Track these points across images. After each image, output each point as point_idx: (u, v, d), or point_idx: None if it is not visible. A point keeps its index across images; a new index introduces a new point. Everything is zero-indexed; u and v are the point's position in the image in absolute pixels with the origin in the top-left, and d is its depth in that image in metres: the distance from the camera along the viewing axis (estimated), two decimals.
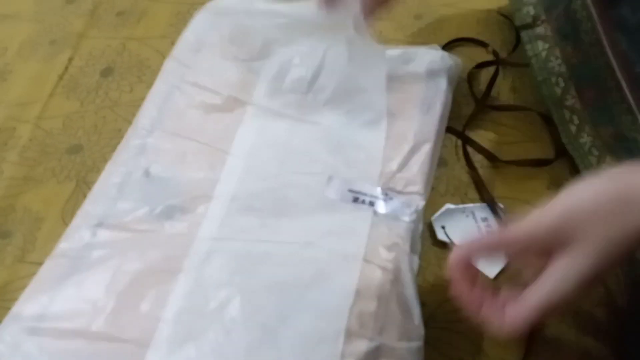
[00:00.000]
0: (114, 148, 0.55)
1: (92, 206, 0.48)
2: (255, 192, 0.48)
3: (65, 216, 0.51)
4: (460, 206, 0.51)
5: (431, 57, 0.58)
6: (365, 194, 0.48)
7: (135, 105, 0.59)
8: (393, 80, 0.55)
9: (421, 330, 0.42)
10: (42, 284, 0.44)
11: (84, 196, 0.52)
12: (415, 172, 0.50)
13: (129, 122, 0.58)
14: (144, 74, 0.63)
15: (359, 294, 0.41)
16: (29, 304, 0.42)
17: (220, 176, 0.49)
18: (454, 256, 0.37)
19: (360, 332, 0.40)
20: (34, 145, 0.56)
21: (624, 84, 0.50)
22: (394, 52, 0.58)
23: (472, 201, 0.52)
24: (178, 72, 0.57)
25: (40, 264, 0.47)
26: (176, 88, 0.56)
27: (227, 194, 0.48)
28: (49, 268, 0.45)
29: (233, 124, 0.54)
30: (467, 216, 0.50)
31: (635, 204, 0.33)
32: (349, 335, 0.39)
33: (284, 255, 0.44)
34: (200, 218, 0.46)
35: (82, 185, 0.53)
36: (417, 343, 0.41)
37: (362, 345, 0.39)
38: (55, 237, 0.49)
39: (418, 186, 0.49)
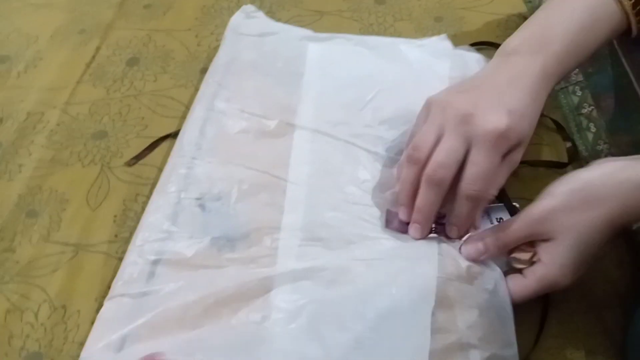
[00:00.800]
0: (137, 135, 0.57)
1: (145, 242, 0.45)
2: (322, 223, 0.46)
3: (90, 199, 0.52)
4: None
5: (471, 58, 0.59)
6: None
7: (159, 95, 0.61)
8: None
9: (514, 334, 0.42)
10: (108, 324, 0.41)
11: (108, 181, 0.54)
12: None
13: (152, 110, 0.60)
14: (168, 65, 0.64)
15: (460, 309, 0.41)
16: (95, 345, 0.40)
17: (284, 205, 0.47)
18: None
19: (470, 342, 0.40)
20: (61, 130, 0.58)
21: (639, 93, 0.50)
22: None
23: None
24: (220, 96, 0.55)
25: (65, 244, 0.49)
26: (221, 113, 0.53)
27: (296, 225, 0.46)
28: (112, 308, 0.42)
29: (285, 150, 0.51)
30: (482, 216, 0.51)
31: (593, 198, 0.40)
32: (464, 348, 0.40)
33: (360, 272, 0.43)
34: (268, 250, 0.44)
35: (107, 170, 0.54)
36: (514, 348, 0.42)
37: (477, 356, 0.39)
38: (79, 219, 0.51)
39: None
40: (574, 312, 0.48)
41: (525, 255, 0.43)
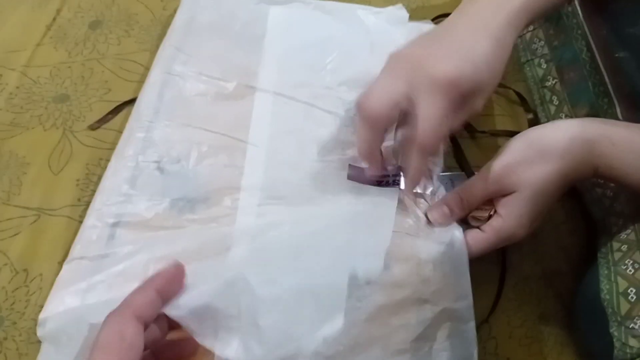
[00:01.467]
0: (100, 99, 0.56)
1: (104, 205, 0.45)
2: (283, 181, 0.47)
3: (52, 164, 0.51)
4: (440, 174, 0.53)
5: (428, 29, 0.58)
6: (387, 175, 0.47)
7: (123, 59, 0.60)
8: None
9: (469, 286, 0.43)
10: (65, 286, 0.41)
11: (71, 145, 0.53)
12: None
13: (115, 75, 0.58)
14: (132, 28, 0.63)
15: (415, 263, 0.42)
16: (54, 307, 0.40)
17: (244, 166, 0.48)
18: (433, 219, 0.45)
19: (423, 297, 0.41)
20: (21, 93, 0.56)
21: (602, 68, 0.52)
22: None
23: (450, 169, 0.54)
24: (177, 60, 0.54)
25: (26, 207, 0.48)
26: (178, 77, 0.53)
27: (256, 185, 0.46)
28: (70, 271, 0.42)
29: (244, 112, 0.52)
30: (446, 183, 0.52)
31: (548, 153, 0.42)
32: (416, 302, 0.41)
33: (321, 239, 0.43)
34: (228, 210, 0.45)
35: (69, 134, 0.53)
36: (469, 300, 0.42)
37: (427, 312, 0.41)
38: (41, 182, 0.50)
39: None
40: (528, 277, 0.51)
41: (483, 213, 0.44)
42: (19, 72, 0.58)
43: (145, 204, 0.45)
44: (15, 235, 0.47)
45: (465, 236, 0.44)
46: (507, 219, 0.43)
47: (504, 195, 0.43)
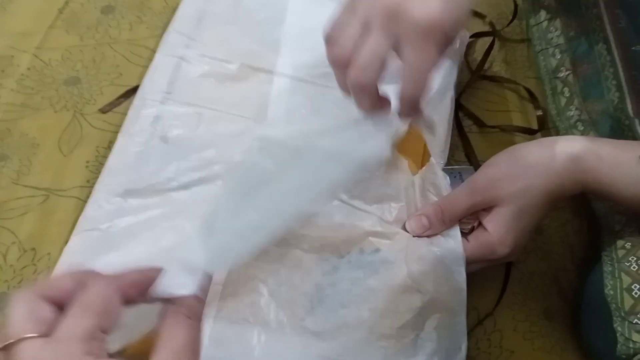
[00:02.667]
0: (111, 83, 0.56)
1: (112, 177, 0.45)
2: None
3: (62, 145, 0.52)
4: (448, 167, 0.53)
5: None
6: None
7: (135, 44, 0.60)
8: None
9: (464, 281, 0.43)
10: (74, 256, 0.41)
11: (81, 127, 0.53)
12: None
13: (127, 59, 0.59)
14: (145, 14, 0.63)
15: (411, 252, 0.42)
16: None
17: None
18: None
19: (416, 288, 0.41)
20: (32, 75, 0.56)
21: (618, 61, 0.51)
22: None
23: (458, 163, 0.54)
24: (181, 43, 0.55)
25: (35, 187, 0.49)
26: (181, 59, 0.53)
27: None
28: (79, 242, 0.42)
29: (249, 92, 0.52)
30: (455, 177, 0.52)
31: (532, 168, 0.42)
32: (407, 290, 0.41)
33: None
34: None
35: (79, 117, 0.54)
36: (463, 294, 0.42)
37: (417, 300, 0.41)
38: (51, 164, 0.50)
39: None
40: (533, 273, 0.51)
41: (466, 225, 0.44)
42: (30, 54, 0.58)
43: (153, 171, 0.45)
44: (24, 214, 0.47)
45: None
46: (491, 234, 0.42)
47: (487, 209, 0.43)
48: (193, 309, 0.30)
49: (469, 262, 0.42)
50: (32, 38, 0.59)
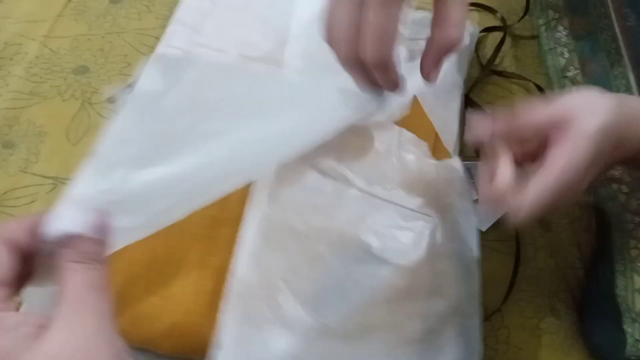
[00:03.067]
0: (119, 72, 0.56)
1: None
2: None
3: (70, 134, 0.51)
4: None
5: None
6: None
7: (143, 34, 0.60)
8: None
9: (478, 286, 0.42)
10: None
11: (89, 116, 0.53)
12: None
13: (135, 49, 0.58)
14: (153, 4, 0.63)
15: (433, 255, 0.41)
16: None
17: None
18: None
19: (438, 292, 0.40)
20: (41, 63, 0.56)
21: (626, 60, 0.51)
22: (415, 15, 0.59)
23: (467, 159, 0.54)
24: (181, 35, 0.54)
25: (43, 176, 0.48)
26: (181, 50, 0.52)
27: None
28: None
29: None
30: (464, 172, 0.52)
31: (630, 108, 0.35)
32: (431, 294, 0.40)
33: None
34: None
35: (87, 106, 0.53)
36: (476, 299, 0.42)
37: (440, 305, 0.40)
38: (59, 152, 0.50)
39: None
40: (542, 270, 0.50)
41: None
42: (39, 42, 0.58)
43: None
44: (31, 202, 0.47)
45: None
46: (571, 154, 0.33)
47: (560, 131, 0.34)
48: (87, 253, 0.27)
49: (546, 201, 0.33)
50: (40, 26, 0.59)
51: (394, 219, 0.42)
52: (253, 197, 0.42)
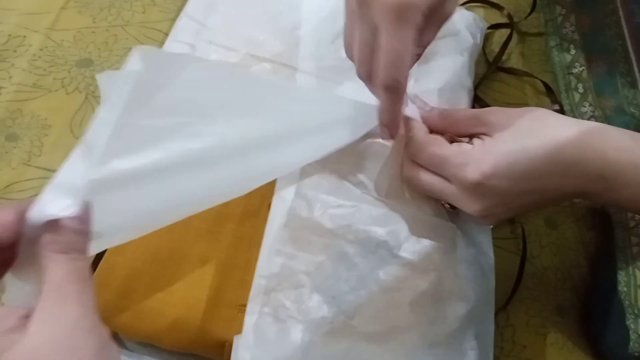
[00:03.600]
0: (124, 65, 0.55)
1: None
2: None
3: (74, 127, 0.51)
4: None
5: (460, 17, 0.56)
6: None
7: (148, 27, 0.59)
8: None
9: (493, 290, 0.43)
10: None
11: (93, 109, 0.52)
12: None
13: (140, 42, 0.58)
14: None
15: (453, 259, 0.40)
16: None
17: None
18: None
19: (458, 295, 0.40)
20: (44, 55, 0.56)
21: (633, 57, 0.51)
22: None
23: None
24: (190, 29, 0.53)
25: (46, 169, 0.48)
26: (189, 46, 0.52)
27: None
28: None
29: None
30: None
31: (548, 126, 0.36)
32: (452, 297, 0.40)
33: None
34: None
35: (91, 99, 0.53)
36: (491, 303, 0.42)
37: (462, 308, 0.40)
38: (62, 145, 0.50)
39: None
40: (547, 268, 0.50)
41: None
42: (42, 35, 0.57)
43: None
44: (34, 195, 0.46)
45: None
46: (475, 146, 0.37)
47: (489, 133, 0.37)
48: (70, 243, 0.26)
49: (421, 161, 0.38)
50: (44, 18, 0.59)
51: (415, 222, 0.41)
52: (279, 192, 0.42)
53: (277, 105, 0.39)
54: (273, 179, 0.41)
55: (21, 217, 0.26)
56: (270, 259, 0.39)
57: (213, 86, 0.36)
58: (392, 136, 0.39)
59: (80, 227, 0.27)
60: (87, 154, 0.30)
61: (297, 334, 0.37)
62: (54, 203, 0.27)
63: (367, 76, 0.37)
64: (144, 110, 0.32)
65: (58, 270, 0.25)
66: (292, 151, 0.39)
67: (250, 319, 0.38)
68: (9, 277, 0.28)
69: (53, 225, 0.26)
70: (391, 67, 0.35)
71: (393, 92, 0.36)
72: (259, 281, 0.39)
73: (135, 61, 0.32)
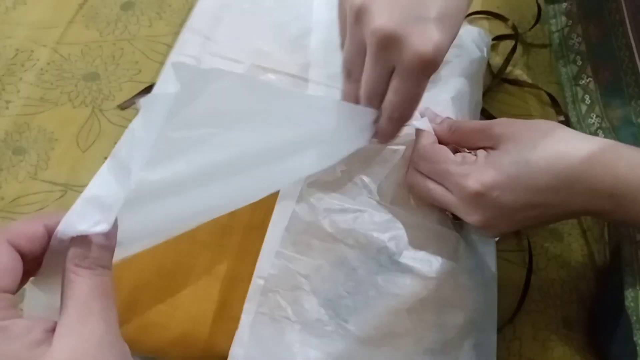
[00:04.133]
0: (130, 79, 0.56)
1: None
2: None
3: (80, 141, 0.51)
4: None
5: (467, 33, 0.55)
6: None
7: (154, 40, 0.60)
8: None
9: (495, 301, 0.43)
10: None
11: (99, 123, 0.53)
12: None
13: (146, 56, 0.58)
14: (164, 11, 0.63)
15: (454, 267, 0.40)
16: None
17: None
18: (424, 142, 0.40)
19: (458, 305, 0.40)
20: (52, 69, 0.56)
21: None
22: None
23: None
24: (195, 42, 0.53)
25: (53, 183, 0.48)
26: (194, 59, 0.51)
27: None
28: None
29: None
30: None
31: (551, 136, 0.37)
32: (451, 306, 0.40)
33: None
34: None
35: (98, 112, 0.53)
36: (494, 315, 0.42)
37: (460, 317, 0.40)
38: (69, 159, 0.50)
39: None
40: (554, 281, 0.50)
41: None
42: (50, 49, 0.58)
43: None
44: (40, 209, 0.47)
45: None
46: (479, 159, 0.38)
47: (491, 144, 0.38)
48: (95, 259, 0.26)
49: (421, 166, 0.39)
50: (51, 32, 0.59)
51: (419, 229, 0.41)
52: (282, 195, 0.42)
53: (296, 115, 0.39)
54: (288, 184, 0.42)
55: (50, 231, 0.27)
56: (269, 260, 0.40)
57: (239, 98, 0.36)
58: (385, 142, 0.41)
59: (106, 243, 0.27)
60: (117, 169, 0.29)
61: (292, 334, 0.38)
62: (84, 219, 0.26)
63: (378, 107, 0.38)
64: (172, 123, 0.32)
65: (83, 286, 0.26)
66: (308, 159, 0.39)
67: (246, 318, 0.38)
68: (28, 286, 0.28)
69: (80, 240, 0.26)
70: (403, 106, 0.37)
71: (399, 123, 0.38)
72: (257, 281, 0.39)
73: (169, 77, 0.33)
